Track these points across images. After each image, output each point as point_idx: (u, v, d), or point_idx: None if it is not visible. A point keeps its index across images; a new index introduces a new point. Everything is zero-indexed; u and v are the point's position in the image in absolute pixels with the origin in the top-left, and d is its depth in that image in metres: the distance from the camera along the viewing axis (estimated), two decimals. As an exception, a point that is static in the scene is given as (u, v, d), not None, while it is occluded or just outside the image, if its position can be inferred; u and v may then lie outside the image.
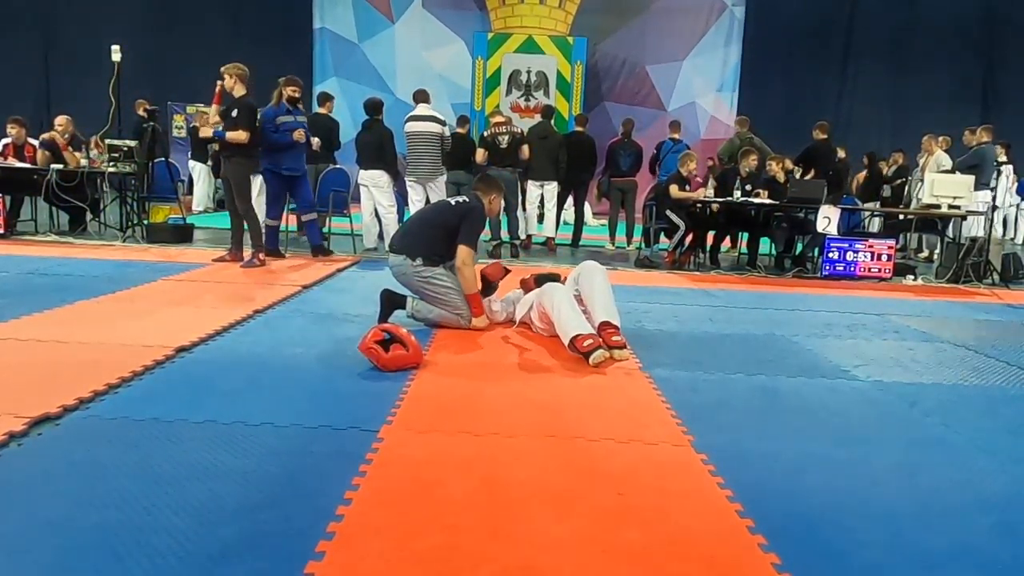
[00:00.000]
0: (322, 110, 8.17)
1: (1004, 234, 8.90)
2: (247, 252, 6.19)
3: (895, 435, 2.71)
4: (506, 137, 7.87)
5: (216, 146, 6.50)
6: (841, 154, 10.34)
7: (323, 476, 2.09)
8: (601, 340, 3.52)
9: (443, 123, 7.60)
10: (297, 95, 6.56)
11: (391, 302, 4.09)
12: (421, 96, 7.68)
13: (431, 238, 4.12)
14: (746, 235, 8.16)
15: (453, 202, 4.30)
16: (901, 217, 8.75)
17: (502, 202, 4.67)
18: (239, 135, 5.90)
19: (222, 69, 6.03)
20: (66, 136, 7.91)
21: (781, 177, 7.78)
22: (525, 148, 7.96)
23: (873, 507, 2.05)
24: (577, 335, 3.47)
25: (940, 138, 9.79)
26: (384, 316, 4.04)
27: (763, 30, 14.43)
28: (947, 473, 2.35)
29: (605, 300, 3.78)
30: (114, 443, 2.24)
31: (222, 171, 6.35)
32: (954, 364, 3.87)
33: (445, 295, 4.07)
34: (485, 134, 8.11)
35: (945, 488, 2.23)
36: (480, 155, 7.94)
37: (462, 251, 4.00)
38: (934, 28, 14.51)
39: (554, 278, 4.25)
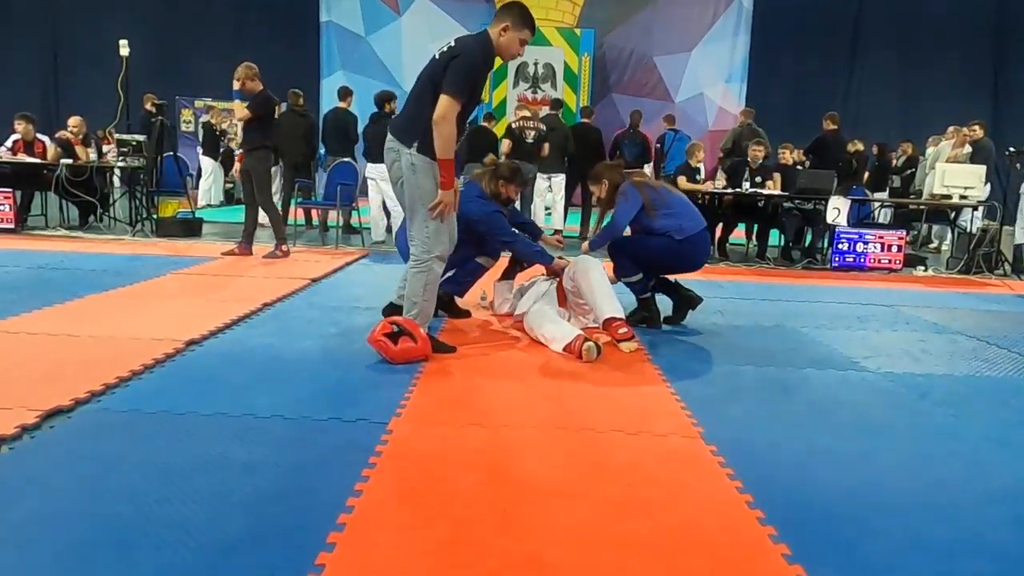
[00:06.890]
0: (342, 104, 8.19)
1: None
2: (259, 247, 6.19)
3: (906, 426, 2.70)
4: (533, 132, 7.87)
5: (234, 144, 6.51)
6: (859, 146, 10.27)
7: (333, 468, 2.09)
8: (586, 335, 3.47)
9: None
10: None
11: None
12: None
13: (422, 108, 3.18)
14: (756, 227, 8.14)
15: (439, 55, 3.28)
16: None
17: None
18: (241, 111, 5.95)
19: (235, 76, 5.94)
20: (79, 136, 7.98)
21: (790, 161, 7.76)
22: (546, 147, 7.95)
23: (883, 498, 2.04)
24: (564, 347, 3.46)
25: (964, 129, 9.61)
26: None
27: (772, 21, 14.33)
28: (958, 465, 2.34)
29: (605, 295, 3.72)
30: (125, 436, 2.25)
31: (243, 164, 6.37)
32: (965, 355, 3.85)
33: (422, 212, 3.22)
34: (513, 125, 8.08)
35: (956, 480, 2.22)
36: (506, 145, 7.90)
37: (443, 102, 3.10)
38: (943, 18, 14.38)
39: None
